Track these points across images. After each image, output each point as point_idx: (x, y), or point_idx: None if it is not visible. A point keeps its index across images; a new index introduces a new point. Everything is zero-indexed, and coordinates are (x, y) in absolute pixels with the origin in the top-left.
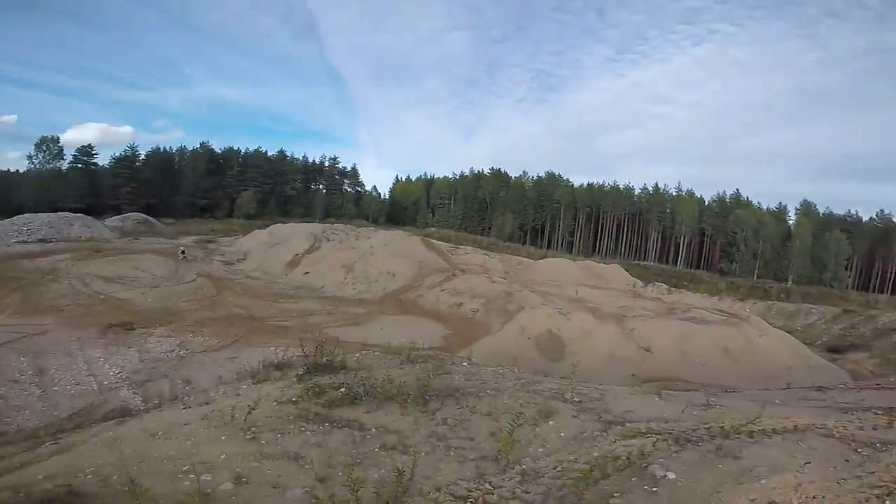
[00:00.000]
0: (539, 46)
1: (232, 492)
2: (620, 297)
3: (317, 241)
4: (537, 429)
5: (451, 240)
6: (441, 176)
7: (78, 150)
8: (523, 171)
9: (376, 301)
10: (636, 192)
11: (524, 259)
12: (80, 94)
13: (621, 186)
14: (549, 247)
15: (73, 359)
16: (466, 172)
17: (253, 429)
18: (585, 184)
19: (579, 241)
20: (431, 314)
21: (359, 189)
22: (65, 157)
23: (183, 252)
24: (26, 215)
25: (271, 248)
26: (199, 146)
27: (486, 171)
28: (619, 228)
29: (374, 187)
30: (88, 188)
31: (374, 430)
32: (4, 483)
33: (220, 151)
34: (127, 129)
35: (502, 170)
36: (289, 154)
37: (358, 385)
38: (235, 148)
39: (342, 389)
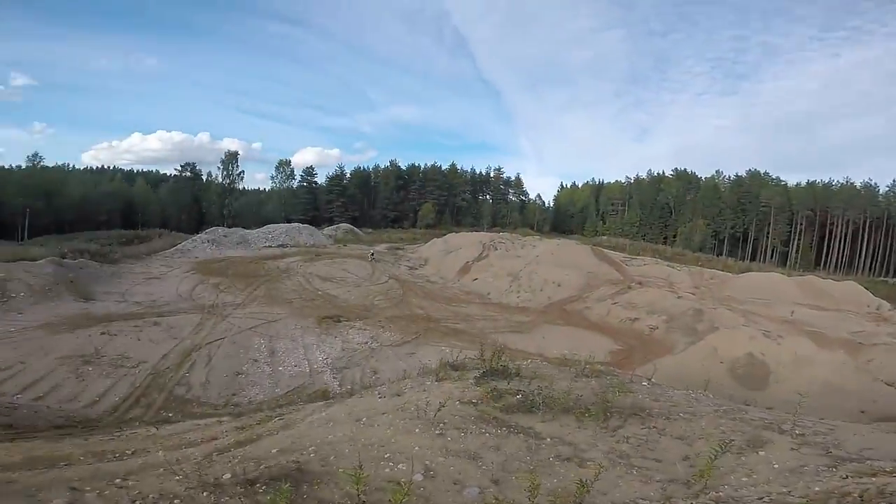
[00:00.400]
0: (712, 34)
1: (421, 483)
2: (855, 321)
3: (485, 249)
4: (743, 458)
5: (625, 249)
6: (611, 180)
7: (304, 171)
8: (716, 171)
9: (540, 310)
10: (880, 192)
11: (719, 272)
12: (300, 122)
13: (858, 185)
14: (753, 258)
15: (295, 344)
16: (643, 175)
17: (441, 425)
18: (804, 182)
19: (796, 251)
20: (599, 327)
21: (523, 198)
22: (295, 177)
23: (372, 254)
24: (270, 225)
25: (446, 255)
26: (388, 164)
27: (668, 172)
28: (855, 236)
29: (539, 195)
30: (311, 203)
31: (549, 439)
32: (249, 453)
33: (404, 168)
34: (335, 151)
35: (688, 170)
36: (459, 167)
37: (535, 393)
38: (417, 164)
39: (518, 396)
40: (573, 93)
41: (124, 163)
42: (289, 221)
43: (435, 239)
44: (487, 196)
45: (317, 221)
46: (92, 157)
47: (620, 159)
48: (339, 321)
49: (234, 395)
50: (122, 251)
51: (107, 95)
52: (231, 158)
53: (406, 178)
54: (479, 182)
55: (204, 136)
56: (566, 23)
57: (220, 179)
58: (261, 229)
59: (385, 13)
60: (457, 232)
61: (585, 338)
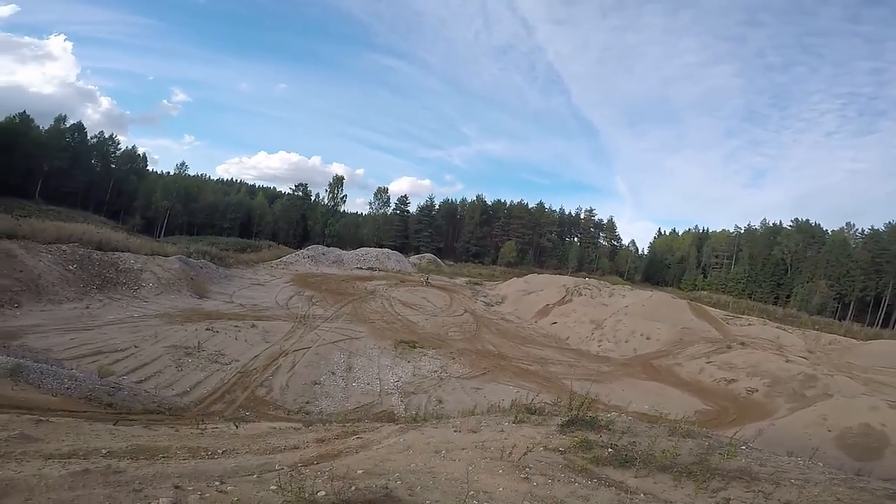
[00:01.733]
0: (842, 67)
1: None
2: None
3: (568, 293)
4: None
5: (727, 307)
6: (718, 229)
7: (398, 199)
8: (847, 223)
9: (622, 361)
10: None
11: (841, 338)
12: (399, 152)
13: None
14: (885, 324)
15: (371, 363)
16: (755, 225)
17: (526, 469)
18: None
19: None
20: (688, 385)
21: (614, 243)
22: (390, 205)
23: (427, 280)
24: (364, 248)
25: (526, 295)
26: (475, 199)
27: (786, 223)
28: None
29: (633, 241)
30: (402, 230)
31: (642, 495)
32: (335, 470)
33: (490, 203)
34: (427, 181)
35: (811, 221)
36: (547, 206)
37: (628, 448)
38: (502, 200)
39: (610, 449)
40: (678, 132)
41: (249, 177)
42: (380, 246)
43: (515, 278)
44: (575, 238)
45: (405, 249)
46: (224, 169)
47: (730, 206)
48: (414, 347)
49: (307, 402)
50: (236, 257)
51: (244, 115)
52: (337, 183)
53: (490, 213)
54: (568, 223)
55: (316, 160)
56: (670, 58)
57: (326, 201)
58: (355, 251)
59: (479, 49)
60: (539, 273)
61: (670, 394)
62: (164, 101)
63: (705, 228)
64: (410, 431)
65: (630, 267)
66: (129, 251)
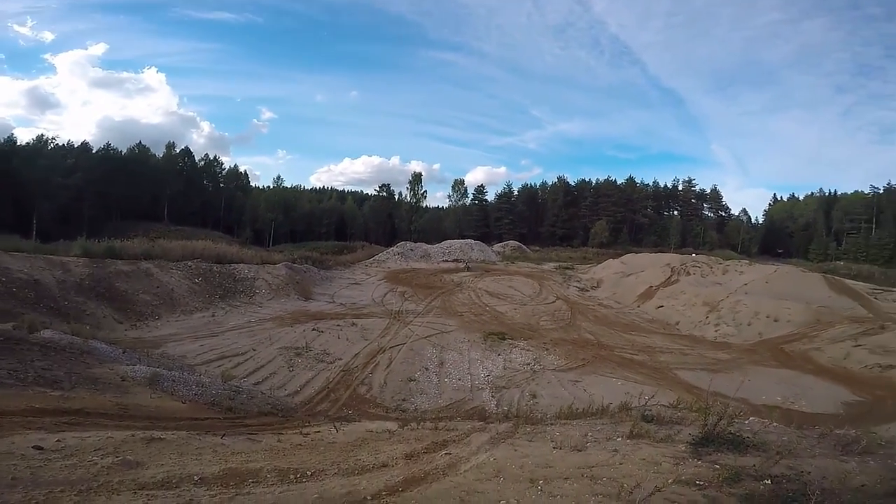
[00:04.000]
0: None
1: None
2: None
3: (674, 273)
4: None
5: (872, 278)
6: (849, 191)
7: (475, 189)
8: None
9: (745, 347)
10: None
11: None
12: (471, 143)
13: None
14: None
15: (462, 357)
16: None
17: None
18: None
19: None
20: (830, 373)
21: (721, 213)
22: (468, 196)
23: (468, 266)
24: (448, 241)
25: (624, 277)
26: (556, 180)
27: None
28: None
29: (744, 210)
30: (483, 220)
31: None
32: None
33: (573, 184)
34: (502, 169)
35: None
36: (638, 181)
37: (792, 478)
38: (587, 179)
39: (767, 482)
40: (779, 92)
41: (338, 184)
42: (463, 238)
43: (610, 260)
44: (675, 212)
45: (487, 238)
46: (316, 178)
47: (858, 165)
48: (504, 339)
49: (404, 400)
50: (334, 259)
51: (324, 126)
52: (416, 180)
53: (575, 193)
54: (665, 196)
55: (395, 160)
56: (747, 18)
57: (408, 198)
58: (440, 244)
59: (534, 31)
60: (636, 252)
61: (807, 383)
62: (254, 119)
63: (832, 191)
64: (501, 445)
65: (743, 239)
66: (242, 262)
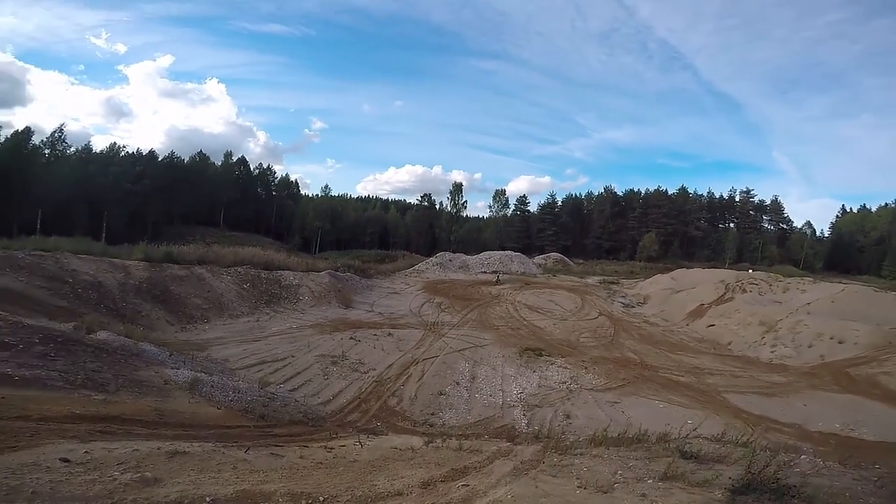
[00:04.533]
0: None
1: None
2: None
3: (728, 290)
4: None
5: None
6: None
7: (518, 200)
8: None
9: (804, 370)
10: None
11: None
12: (513, 152)
13: None
14: None
15: (495, 372)
16: None
17: None
18: None
19: None
20: None
21: (783, 226)
22: (509, 206)
23: (499, 278)
24: (487, 252)
25: (674, 293)
26: (603, 190)
27: None
28: None
29: (808, 223)
30: (524, 231)
31: None
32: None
33: (621, 194)
34: (546, 178)
35: None
36: (691, 191)
37: None
38: (636, 189)
39: None
40: (846, 95)
41: (383, 192)
42: (503, 249)
43: (659, 275)
44: (731, 224)
45: (528, 250)
46: (362, 187)
47: None
48: (541, 355)
49: (432, 414)
50: (375, 268)
51: (371, 135)
52: (457, 190)
53: (623, 204)
54: (720, 207)
55: (437, 169)
56: (807, 19)
57: (449, 208)
58: (479, 255)
59: (578, 38)
60: (688, 267)
61: (871, 409)
62: (306, 129)
63: None
64: (522, 479)
65: (807, 254)
66: (288, 269)
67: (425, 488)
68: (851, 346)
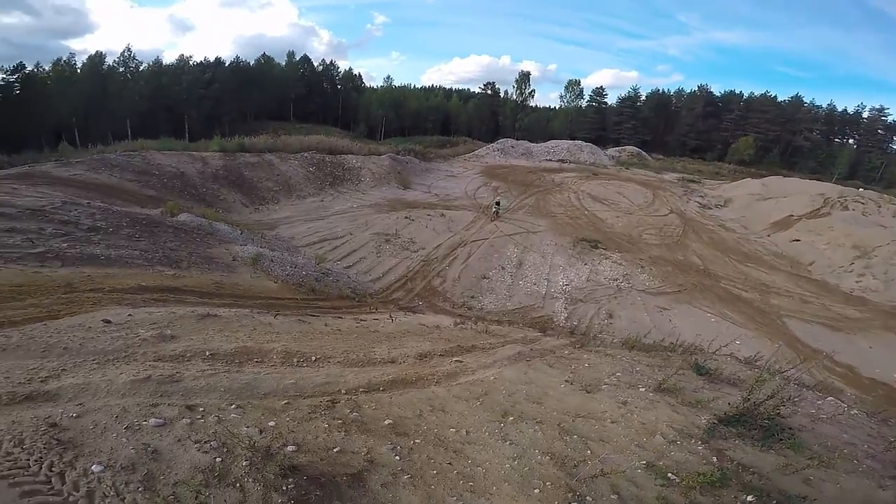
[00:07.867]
0: None
1: None
2: None
3: (826, 205)
4: None
5: None
6: None
7: (593, 91)
8: None
9: (885, 308)
10: None
11: None
12: (598, 45)
13: None
14: None
15: (544, 260)
16: None
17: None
18: None
19: None
20: None
21: None
22: (584, 97)
23: (497, 206)
24: (554, 141)
25: (761, 201)
26: (696, 89)
27: None
28: None
29: None
30: (598, 122)
31: None
32: (373, 412)
33: (718, 95)
34: (633, 73)
35: None
36: (806, 101)
37: (792, 501)
38: (737, 92)
39: (750, 499)
40: None
41: (447, 82)
42: (573, 139)
43: (749, 179)
44: (850, 140)
45: (601, 141)
46: (426, 78)
47: None
48: (596, 247)
49: (472, 297)
50: (435, 152)
51: (435, 27)
52: (524, 78)
53: (719, 105)
54: (840, 122)
55: (506, 59)
56: None
57: (514, 97)
58: (545, 144)
59: None
60: (786, 175)
61: None
62: (368, 24)
63: None
64: (517, 366)
65: None
66: (351, 153)
67: (419, 360)
68: None
